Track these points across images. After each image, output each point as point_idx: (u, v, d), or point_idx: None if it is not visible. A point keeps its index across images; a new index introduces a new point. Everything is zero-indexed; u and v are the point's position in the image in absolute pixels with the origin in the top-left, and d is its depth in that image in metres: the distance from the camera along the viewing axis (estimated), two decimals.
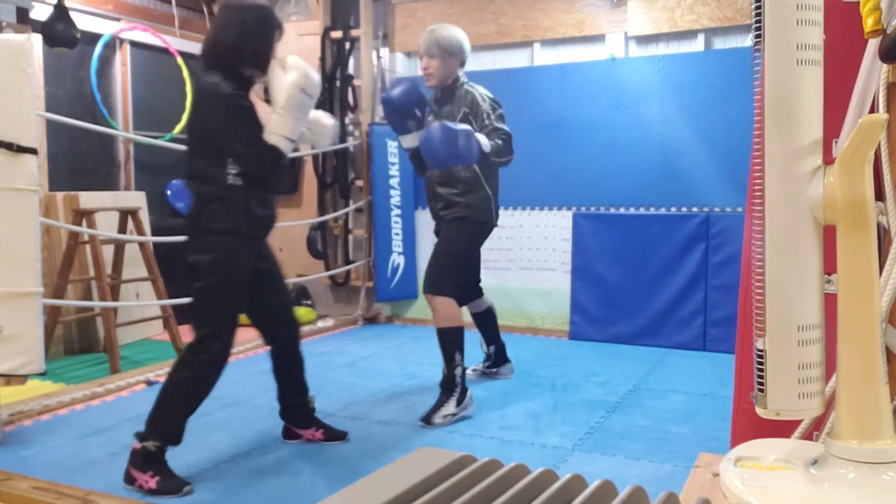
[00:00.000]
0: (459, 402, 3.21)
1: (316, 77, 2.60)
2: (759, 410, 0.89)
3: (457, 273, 3.38)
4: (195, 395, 2.55)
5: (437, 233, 3.52)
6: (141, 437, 2.50)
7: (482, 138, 3.16)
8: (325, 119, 2.79)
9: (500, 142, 3.21)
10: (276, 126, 2.51)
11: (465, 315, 3.94)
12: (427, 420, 3.15)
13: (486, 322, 3.82)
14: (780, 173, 0.85)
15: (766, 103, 0.85)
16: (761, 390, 0.88)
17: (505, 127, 3.27)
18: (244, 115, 2.51)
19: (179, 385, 2.53)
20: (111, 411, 3.35)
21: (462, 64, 3.38)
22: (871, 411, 0.87)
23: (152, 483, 2.46)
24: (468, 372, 3.79)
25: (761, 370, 0.88)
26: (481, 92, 3.33)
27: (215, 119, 2.51)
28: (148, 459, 2.49)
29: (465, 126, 3.11)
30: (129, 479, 2.50)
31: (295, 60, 2.58)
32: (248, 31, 2.54)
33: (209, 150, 2.53)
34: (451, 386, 3.23)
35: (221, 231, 2.53)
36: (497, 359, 3.91)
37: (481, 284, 3.80)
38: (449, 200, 3.36)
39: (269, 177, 2.61)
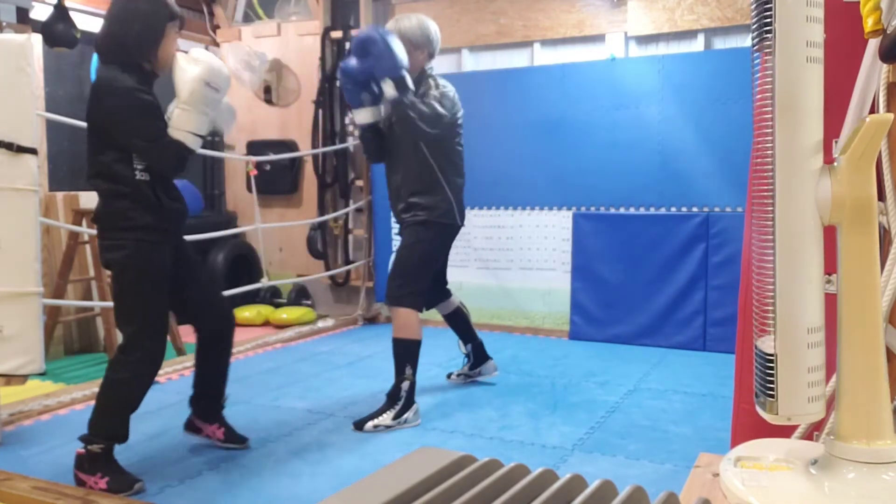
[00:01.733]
0: (397, 416, 3.13)
1: (223, 70, 2.54)
2: (768, 417, 0.87)
3: (417, 281, 3.25)
4: (132, 394, 2.53)
5: (400, 234, 3.40)
6: (86, 440, 2.49)
7: (409, 81, 3.04)
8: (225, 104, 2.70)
9: (426, 110, 3.09)
10: (179, 121, 2.47)
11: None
12: (359, 425, 3.10)
13: (458, 321, 3.71)
14: (792, 174, 0.85)
15: (777, 102, 0.84)
16: (771, 396, 0.86)
17: (440, 109, 3.13)
18: (144, 110, 2.46)
19: (115, 385, 2.51)
20: None
21: (430, 56, 3.25)
22: (872, 411, 0.87)
23: (102, 483, 2.45)
24: (452, 378, 3.83)
25: (771, 375, 0.86)
26: (440, 82, 3.23)
27: (115, 114, 2.45)
28: (95, 461, 2.47)
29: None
30: (79, 483, 2.47)
31: (200, 53, 2.54)
32: (140, 22, 2.48)
33: (113, 146, 2.47)
34: (395, 398, 3.16)
35: (133, 227, 2.48)
36: (477, 358, 3.79)
37: (449, 286, 3.71)
38: (408, 202, 3.25)
39: (173, 172, 2.56)
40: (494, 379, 3.84)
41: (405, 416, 3.16)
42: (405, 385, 3.18)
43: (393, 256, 3.33)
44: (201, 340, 2.83)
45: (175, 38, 2.57)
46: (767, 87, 0.86)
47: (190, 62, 2.49)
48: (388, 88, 3.03)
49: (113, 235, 2.51)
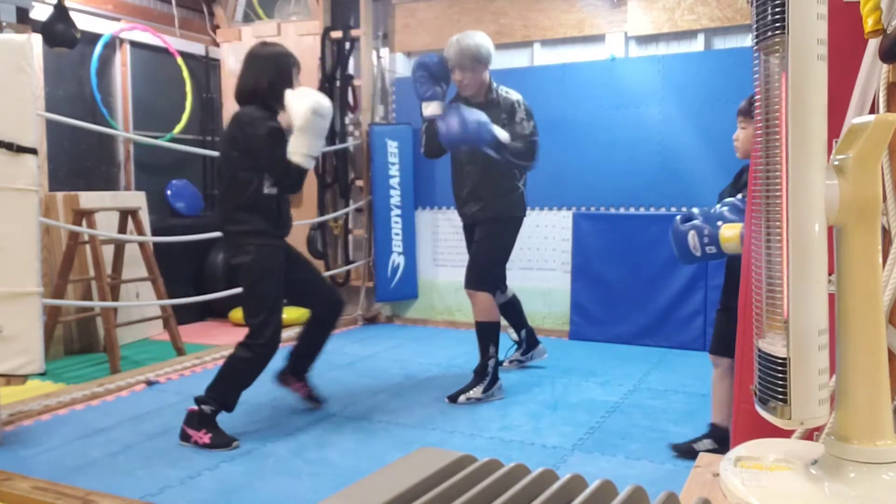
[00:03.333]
0: (486, 390, 3.48)
1: (327, 101, 3.01)
2: (780, 422, 0.86)
3: (494, 269, 3.66)
4: (250, 372, 3.00)
5: (466, 228, 3.73)
6: (199, 400, 2.93)
7: (500, 130, 3.34)
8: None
9: (520, 145, 3.39)
10: (296, 146, 2.94)
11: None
12: (453, 398, 3.47)
13: (512, 310, 3.98)
14: (804, 175, 0.84)
15: (790, 101, 0.83)
16: (783, 401, 0.85)
17: (535, 137, 3.44)
18: (274, 137, 2.95)
19: (238, 362, 2.98)
20: (111, 411, 3.35)
21: (488, 66, 3.49)
22: (873, 411, 0.87)
23: (206, 439, 2.90)
24: (505, 364, 4.03)
25: (783, 380, 0.85)
26: (517, 98, 3.47)
27: (251, 140, 2.94)
28: (203, 420, 2.92)
29: (480, 113, 3.32)
30: (185, 437, 2.93)
31: (306, 90, 3.03)
32: (270, 71, 3.02)
33: (248, 166, 2.96)
34: (483, 373, 3.50)
35: (258, 233, 2.98)
36: (529, 344, 4.06)
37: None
38: (485, 200, 3.52)
39: (294, 187, 3.06)
40: (529, 367, 3.92)
41: (492, 390, 3.51)
42: (491, 362, 3.52)
43: (473, 248, 3.66)
44: (312, 319, 3.32)
45: (296, 79, 3.11)
46: (777, 85, 0.85)
47: (299, 96, 2.97)
48: (491, 152, 3.39)
49: (241, 242, 3.00)
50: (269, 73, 3.02)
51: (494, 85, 3.49)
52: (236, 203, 2.98)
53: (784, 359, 0.85)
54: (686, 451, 2.72)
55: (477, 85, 3.43)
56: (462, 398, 3.46)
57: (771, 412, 0.87)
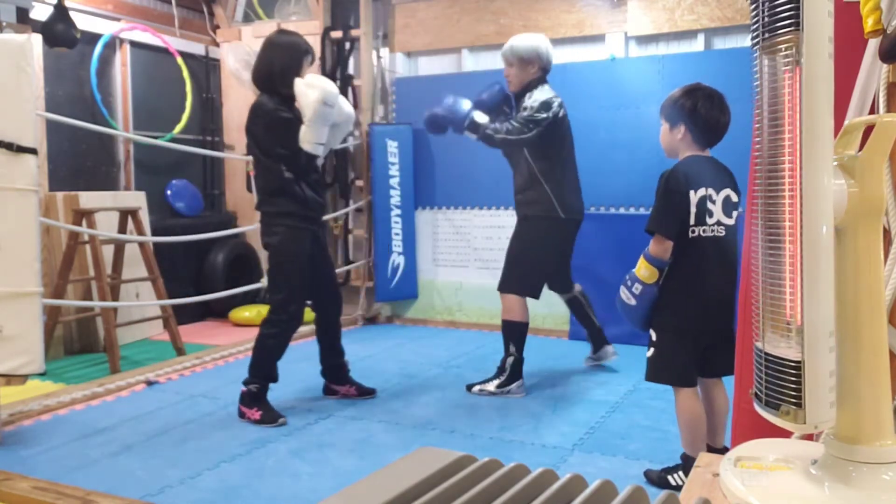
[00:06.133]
0: (501, 386, 3.53)
1: (333, 88, 3.11)
2: (793, 427, 0.85)
3: (519, 269, 3.59)
4: (279, 346, 3.22)
5: None
6: (245, 382, 3.19)
7: (479, 115, 3.51)
8: (346, 108, 3.29)
9: (506, 126, 3.47)
10: (306, 135, 3.08)
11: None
12: (469, 387, 3.60)
13: (574, 309, 4.02)
14: (816, 176, 0.84)
15: (804, 102, 0.83)
16: (797, 405, 0.84)
17: (516, 123, 3.46)
18: (282, 126, 3.10)
19: (267, 339, 3.20)
20: (111, 411, 3.35)
21: (542, 69, 3.57)
22: (873, 411, 0.87)
23: (256, 416, 3.14)
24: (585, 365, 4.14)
25: (796, 383, 0.84)
26: (535, 97, 3.50)
27: (263, 130, 3.13)
28: (252, 398, 3.17)
29: (462, 99, 3.55)
30: (241, 414, 3.20)
31: (314, 78, 3.12)
32: (280, 57, 3.16)
33: (265, 153, 3.15)
34: (501, 370, 3.57)
35: (285, 214, 3.15)
36: (594, 344, 4.05)
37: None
38: (517, 200, 3.65)
39: (307, 172, 3.20)
40: (601, 367, 3.98)
41: (509, 387, 3.54)
42: (509, 361, 3.55)
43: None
44: (320, 319, 3.46)
45: (308, 69, 3.21)
46: (784, 85, 0.85)
47: (308, 87, 3.07)
48: (469, 134, 3.54)
49: (270, 223, 3.18)
50: (280, 61, 3.14)
51: (533, 86, 3.54)
52: (265, 188, 3.20)
53: (798, 362, 0.84)
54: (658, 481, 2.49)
55: (518, 81, 3.56)
56: (475, 388, 3.56)
57: (783, 417, 0.86)
